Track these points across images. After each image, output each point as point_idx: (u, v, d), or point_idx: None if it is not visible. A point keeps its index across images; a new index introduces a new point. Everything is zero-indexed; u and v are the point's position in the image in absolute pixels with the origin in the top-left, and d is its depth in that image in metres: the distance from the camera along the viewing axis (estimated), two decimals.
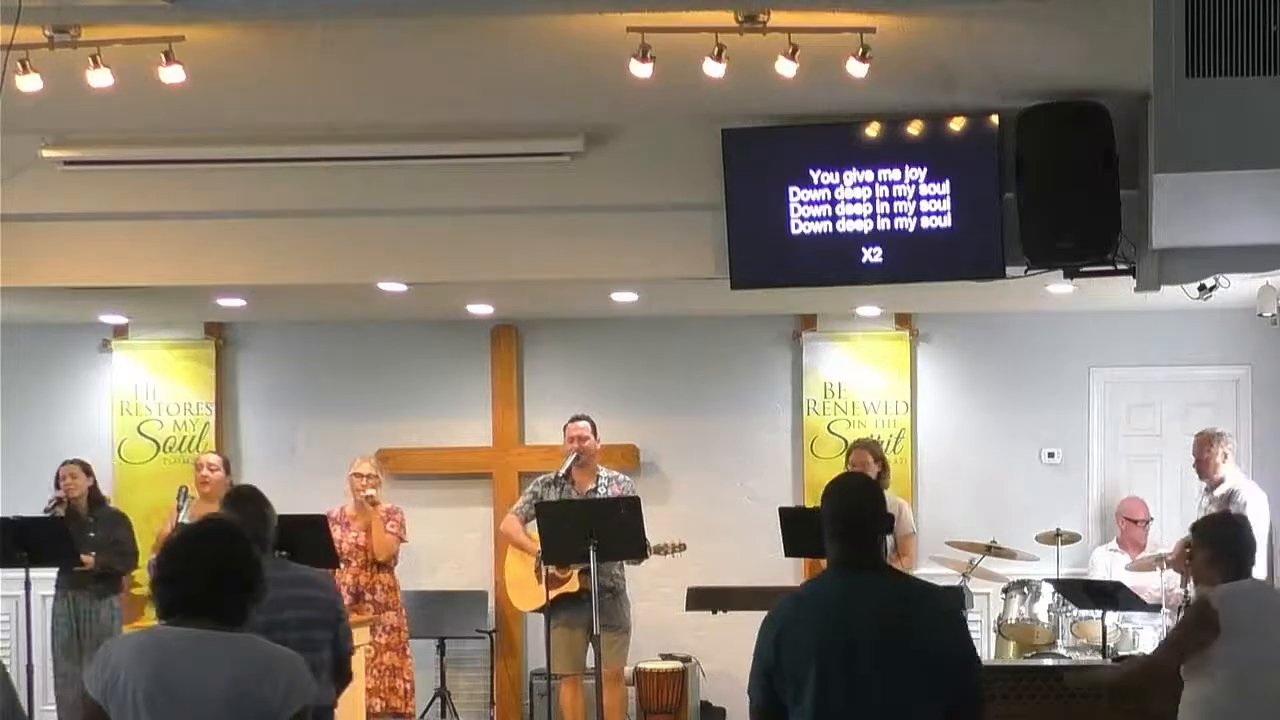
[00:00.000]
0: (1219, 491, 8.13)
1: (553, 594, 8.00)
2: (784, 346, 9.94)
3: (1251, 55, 5.45)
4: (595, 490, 8.38)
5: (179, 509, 8.24)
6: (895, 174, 7.39)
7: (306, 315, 9.81)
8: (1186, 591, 7.99)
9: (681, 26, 6.09)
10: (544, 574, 8.00)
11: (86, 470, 8.82)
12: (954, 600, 4.14)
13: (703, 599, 7.96)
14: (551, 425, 9.24)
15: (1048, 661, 7.72)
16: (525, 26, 6.13)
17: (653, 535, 8.14)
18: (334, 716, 5.53)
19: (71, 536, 8.24)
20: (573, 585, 8.19)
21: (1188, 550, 7.94)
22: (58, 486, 8.70)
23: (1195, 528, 5.86)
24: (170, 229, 7.92)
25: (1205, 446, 8.25)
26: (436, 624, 9.57)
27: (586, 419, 8.51)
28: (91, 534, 8.58)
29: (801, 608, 4.03)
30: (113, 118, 7.21)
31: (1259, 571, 6.53)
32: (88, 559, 8.48)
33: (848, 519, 4.03)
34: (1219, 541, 5.58)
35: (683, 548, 8.46)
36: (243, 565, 3.64)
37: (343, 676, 5.33)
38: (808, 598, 4.12)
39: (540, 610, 8.37)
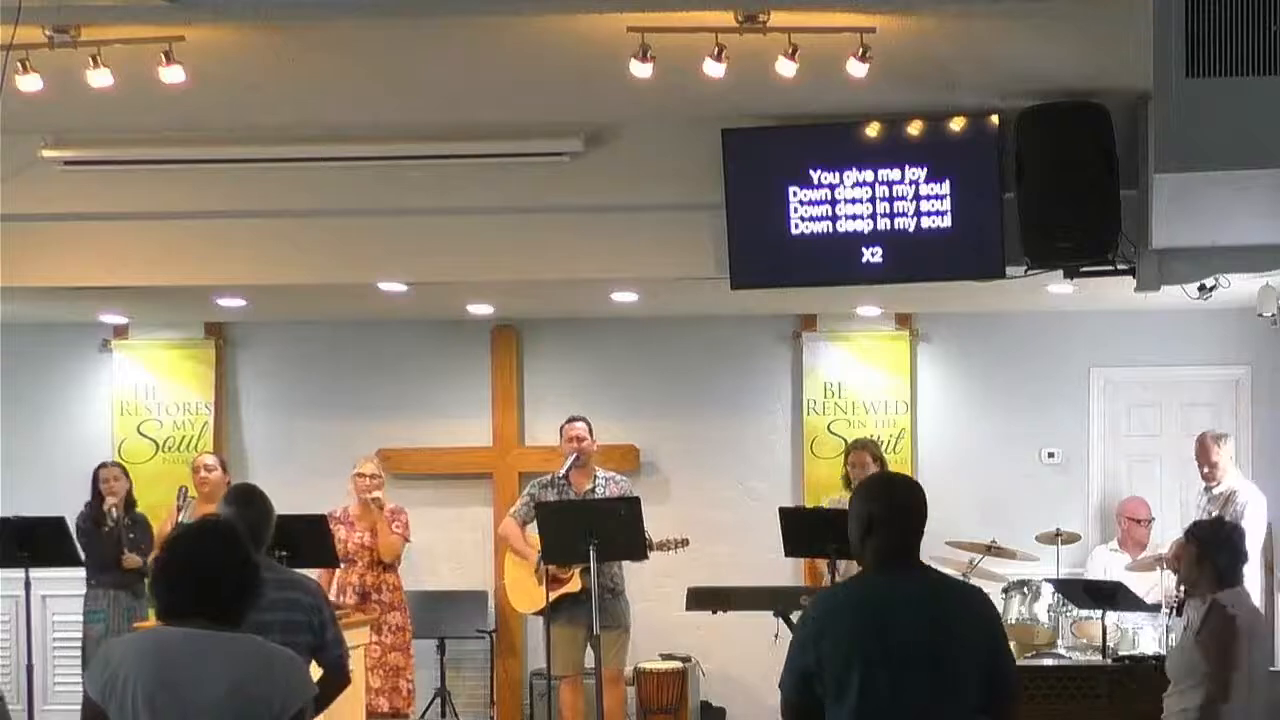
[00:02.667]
0: (1217, 491, 8.12)
1: (554, 595, 8.00)
2: (784, 346, 9.93)
3: (1251, 55, 5.46)
4: (592, 491, 8.38)
5: (179, 509, 8.24)
6: (895, 174, 7.39)
7: (306, 315, 9.81)
8: (1180, 591, 7.99)
9: (681, 26, 6.09)
10: (544, 576, 8.00)
11: (124, 473, 8.89)
12: (990, 600, 4.13)
13: (703, 599, 7.96)
14: (551, 426, 9.23)
15: (1048, 661, 7.72)
16: (525, 26, 6.13)
17: (654, 532, 8.15)
18: None
19: (70, 537, 8.24)
20: (574, 585, 8.18)
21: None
22: (96, 488, 8.72)
23: (1190, 528, 5.92)
24: (170, 229, 7.92)
25: (1215, 446, 8.23)
26: (437, 624, 9.56)
27: (583, 420, 8.51)
28: (132, 535, 8.66)
29: (841, 606, 4.02)
30: (113, 118, 7.21)
31: (1255, 573, 6.54)
32: (135, 560, 8.57)
33: (894, 517, 4.02)
34: (1206, 543, 5.64)
35: (685, 543, 8.45)
36: (240, 566, 3.63)
37: (335, 683, 5.13)
38: (847, 596, 4.10)
39: (540, 613, 8.38)
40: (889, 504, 4.05)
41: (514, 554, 8.57)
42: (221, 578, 3.60)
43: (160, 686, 3.49)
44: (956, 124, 7.28)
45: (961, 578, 8.36)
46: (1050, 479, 9.73)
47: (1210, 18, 5.44)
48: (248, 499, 5.23)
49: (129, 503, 8.83)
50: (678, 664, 9.19)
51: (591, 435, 8.49)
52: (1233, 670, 5.45)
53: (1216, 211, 6.43)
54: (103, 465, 8.94)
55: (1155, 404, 9.74)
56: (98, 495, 8.75)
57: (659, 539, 8.28)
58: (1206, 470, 8.24)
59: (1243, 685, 5.43)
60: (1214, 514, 7.96)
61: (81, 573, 8.67)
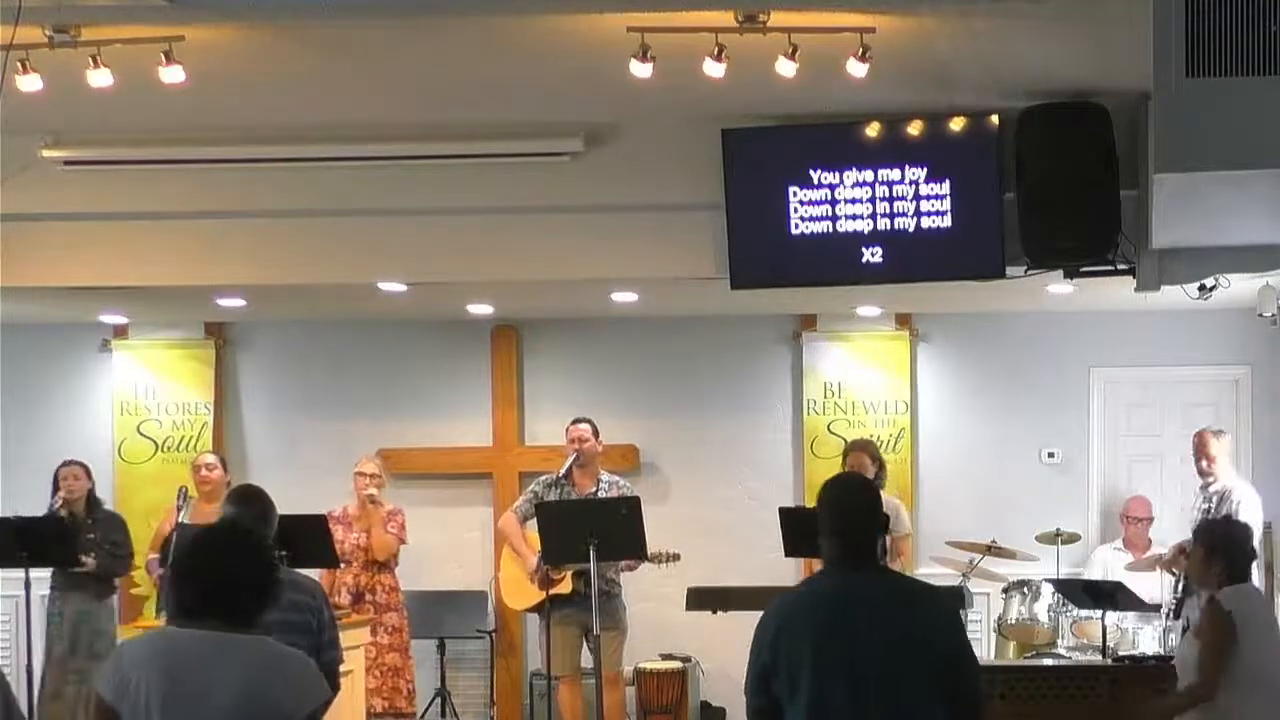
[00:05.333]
0: (1213, 489, 8.13)
1: (546, 594, 8.02)
2: (784, 346, 9.94)
3: (1251, 55, 5.45)
4: (595, 492, 8.37)
5: (179, 509, 8.23)
6: (895, 174, 7.39)
7: (306, 315, 9.81)
8: (1177, 593, 8.01)
9: (681, 26, 6.08)
10: (541, 577, 8.01)
11: (87, 472, 8.79)
12: (951, 599, 4.12)
13: (703, 599, 7.96)
14: (551, 425, 9.24)
15: (1048, 661, 7.72)
16: (525, 26, 6.13)
17: (651, 541, 8.16)
18: None
19: (73, 537, 8.23)
20: (565, 586, 8.18)
21: (1184, 554, 8.04)
22: (56, 487, 8.67)
23: (1197, 528, 5.93)
24: (170, 229, 7.93)
25: (1214, 440, 8.24)
26: (436, 624, 9.56)
27: (588, 421, 8.50)
28: (90, 535, 8.53)
29: (798, 606, 4.03)
30: (113, 118, 7.21)
31: (1254, 574, 6.52)
32: (88, 560, 8.43)
33: (844, 517, 4.02)
34: (1213, 541, 5.63)
35: (676, 558, 8.44)
36: (260, 570, 3.64)
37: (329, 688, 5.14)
38: (804, 596, 4.11)
39: (534, 609, 8.40)
40: (836, 506, 4.05)
41: (510, 550, 8.56)
42: (240, 581, 3.60)
43: (172, 688, 3.48)
44: (956, 124, 7.28)
45: (961, 578, 8.40)
46: (1050, 479, 9.74)
47: (1210, 18, 5.44)
48: (249, 499, 5.25)
49: (92, 502, 8.72)
50: (678, 664, 9.20)
51: (596, 436, 8.48)
52: (1220, 668, 5.39)
53: (1216, 211, 6.43)
54: (64, 464, 8.74)
55: (1155, 404, 9.74)
56: (56, 494, 8.67)
57: (652, 551, 8.27)
58: (1204, 465, 8.24)
59: (1246, 683, 5.39)
60: (1210, 512, 7.97)
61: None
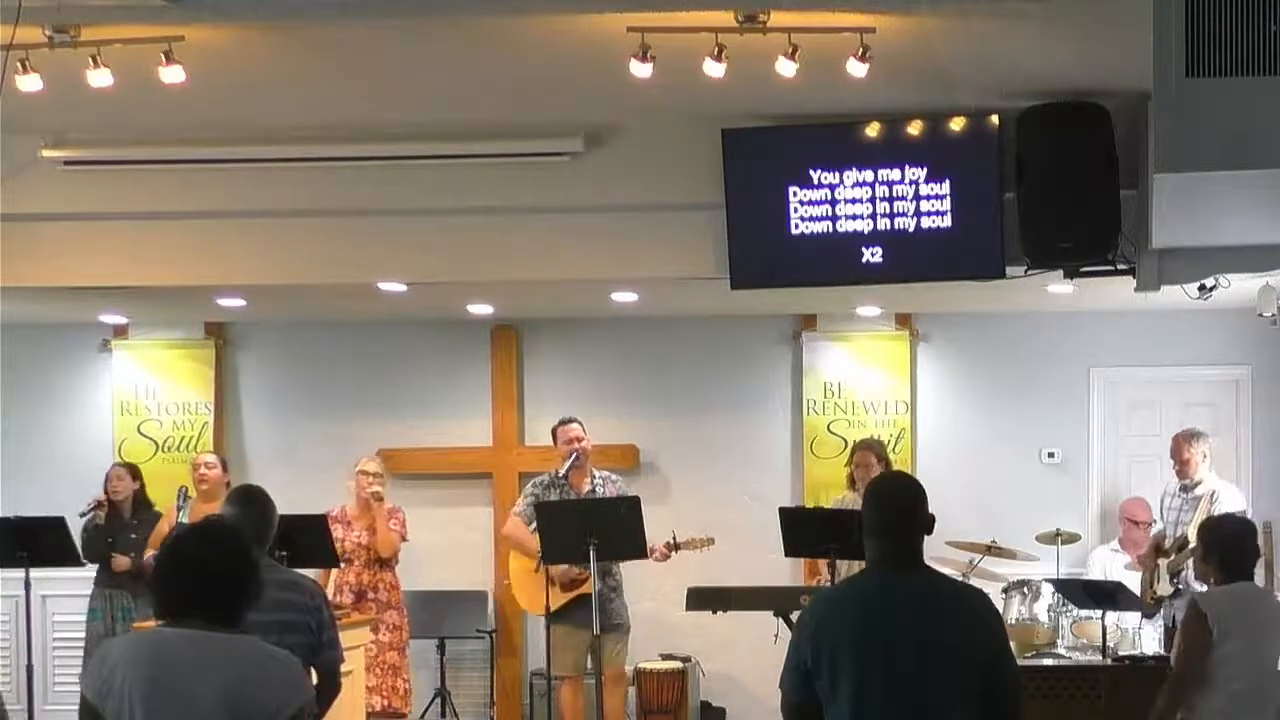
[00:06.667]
0: (1199, 492, 8.12)
1: (570, 596, 8.07)
2: (784, 346, 9.94)
3: (1251, 55, 5.45)
4: (592, 491, 8.37)
5: (179, 509, 8.24)
6: (895, 174, 7.40)
7: (306, 315, 9.81)
8: (1154, 590, 8.02)
9: (681, 26, 6.09)
10: (546, 575, 8.00)
11: (134, 474, 8.88)
12: (990, 600, 4.13)
13: (703, 599, 7.97)
14: (551, 426, 9.23)
15: (1048, 661, 7.72)
16: (525, 26, 6.14)
17: (680, 531, 8.17)
18: None
19: (72, 537, 8.25)
20: (589, 588, 8.16)
21: (1158, 549, 8.08)
22: (105, 488, 8.73)
23: (1201, 525, 5.95)
24: (170, 229, 7.93)
25: (1186, 445, 8.24)
26: (436, 624, 9.56)
27: (577, 420, 8.51)
28: (133, 535, 8.64)
29: (840, 605, 4.03)
30: (113, 118, 7.22)
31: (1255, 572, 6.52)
32: (123, 560, 8.55)
33: (892, 517, 4.02)
34: (1211, 540, 5.65)
35: (711, 542, 8.45)
36: (240, 567, 3.63)
37: (330, 688, 5.06)
38: (847, 595, 4.11)
39: (555, 611, 8.41)
40: (887, 506, 4.06)
41: (525, 554, 8.49)
42: (221, 578, 3.59)
43: (155, 687, 3.48)
44: (956, 124, 7.28)
45: (961, 578, 8.39)
46: (1050, 479, 9.73)
47: (1210, 18, 5.44)
48: (249, 499, 5.24)
49: (139, 503, 8.82)
50: (678, 664, 9.19)
51: (585, 434, 8.49)
52: (1187, 668, 5.43)
53: (1216, 211, 6.43)
54: (113, 465, 8.96)
55: (1155, 404, 9.73)
56: (98, 497, 8.75)
57: (683, 539, 8.28)
58: (1177, 468, 8.27)
59: (1220, 683, 5.38)
60: (1185, 513, 8.03)
61: (81, 572, 8.68)
